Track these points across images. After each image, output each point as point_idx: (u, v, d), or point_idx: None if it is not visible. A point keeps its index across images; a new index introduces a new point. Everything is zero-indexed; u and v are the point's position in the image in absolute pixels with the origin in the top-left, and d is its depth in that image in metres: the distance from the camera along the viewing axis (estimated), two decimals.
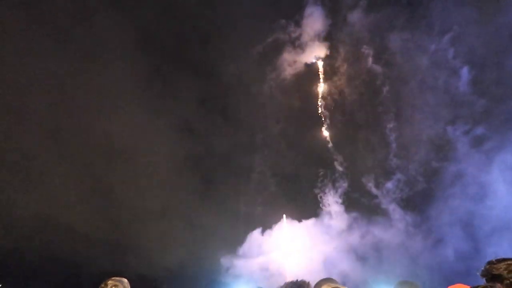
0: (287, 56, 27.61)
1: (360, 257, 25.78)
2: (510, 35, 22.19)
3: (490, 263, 3.68)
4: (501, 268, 3.56)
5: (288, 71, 27.64)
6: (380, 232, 26.01)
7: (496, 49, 22.73)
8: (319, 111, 27.37)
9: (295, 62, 27.80)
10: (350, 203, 26.71)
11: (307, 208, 27.29)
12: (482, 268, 3.75)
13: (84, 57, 25.29)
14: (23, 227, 23.27)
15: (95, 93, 25.51)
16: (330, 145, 27.35)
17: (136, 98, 26.24)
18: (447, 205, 23.53)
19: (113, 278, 5.51)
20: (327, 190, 27.45)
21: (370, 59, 26.32)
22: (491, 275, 3.59)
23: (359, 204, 26.45)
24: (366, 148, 26.55)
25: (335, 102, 27.39)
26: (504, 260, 3.64)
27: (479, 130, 23.42)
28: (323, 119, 27.39)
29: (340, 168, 27.14)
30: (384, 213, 25.74)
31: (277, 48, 26.90)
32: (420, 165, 25.21)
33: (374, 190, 26.10)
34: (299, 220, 27.54)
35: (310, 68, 28.01)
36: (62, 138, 24.96)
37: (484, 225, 21.87)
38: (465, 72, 24.02)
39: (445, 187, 23.89)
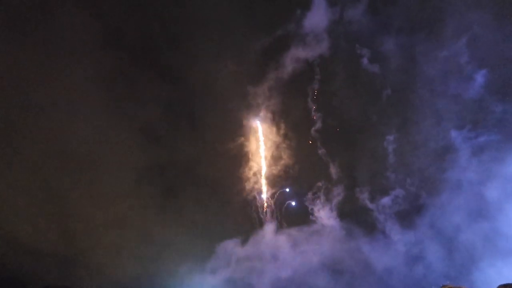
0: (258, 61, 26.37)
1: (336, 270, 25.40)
2: None
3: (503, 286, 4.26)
4: None
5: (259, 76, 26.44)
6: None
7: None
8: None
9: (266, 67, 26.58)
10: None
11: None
12: None
13: (43, 54, 23.32)
14: None
15: (52, 93, 23.59)
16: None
17: (97, 99, 24.44)
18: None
19: None
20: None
21: (367, 63, 25.40)
22: None
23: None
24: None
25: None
26: None
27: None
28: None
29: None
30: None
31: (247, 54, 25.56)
32: None
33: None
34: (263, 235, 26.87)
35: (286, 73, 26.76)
36: (11, 138, 23.00)
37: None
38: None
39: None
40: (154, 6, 24.72)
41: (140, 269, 24.06)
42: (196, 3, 24.16)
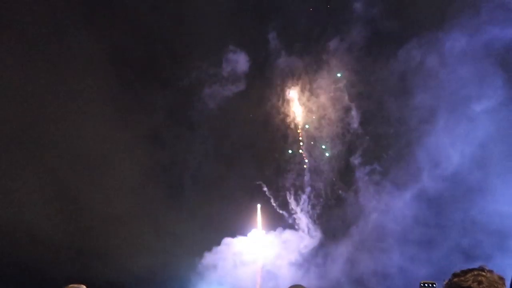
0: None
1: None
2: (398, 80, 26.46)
3: (456, 275, 3.40)
4: (469, 280, 3.30)
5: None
6: None
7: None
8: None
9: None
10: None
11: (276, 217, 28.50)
12: (447, 282, 3.47)
13: (56, 68, 26.10)
14: None
15: (65, 104, 26.12)
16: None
17: (105, 109, 27.05)
18: None
19: (70, 285, 5.62)
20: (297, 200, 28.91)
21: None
22: None
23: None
24: None
25: None
26: (470, 270, 3.37)
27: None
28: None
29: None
30: None
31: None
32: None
33: None
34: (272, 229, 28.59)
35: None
36: (28, 145, 24.87)
37: None
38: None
39: None
40: (155, 25, 28.44)
41: (153, 260, 25.15)
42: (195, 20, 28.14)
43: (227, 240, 27.53)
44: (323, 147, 28.84)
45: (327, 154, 28.66)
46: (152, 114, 28.26)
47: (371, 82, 27.17)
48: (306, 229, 28.34)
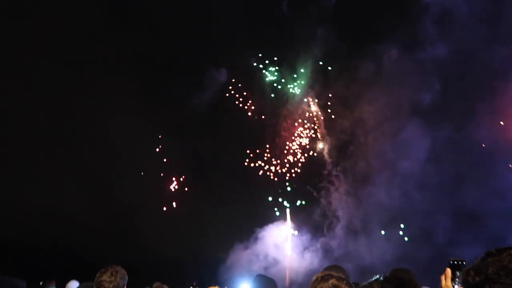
0: None
1: None
2: None
3: (490, 254, 3.14)
4: (505, 260, 2.98)
5: None
6: None
7: None
8: None
9: None
10: None
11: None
12: (479, 260, 3.17)
13: (86, 72, 28.53)
14: (25, 220, 23.88)
15: (95, 103, 28.27)
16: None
17: (131, 107, 29.07)
18: None
19: (155, 284, 6.09)
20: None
21: None
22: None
23: None
24: None
25: None
26: (506, 249, 3.08)
27: None
28: None
29: None
30: None
31: None
32: None
33: None
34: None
35: None
36: (65, 141, 26.94)
37: None
38: None
39: None
40: (175, 32, 30.72)
41: (184, 244, 26.25)
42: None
43: (258, 233, 28.18)
44: None
45: None
46: (175, 111, 30.13)
47: None
48: None
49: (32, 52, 26.35)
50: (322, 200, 28.94)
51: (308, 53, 29.53)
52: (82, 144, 27.21)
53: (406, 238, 26.42)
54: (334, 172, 29.01)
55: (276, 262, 28.26)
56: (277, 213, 29.51)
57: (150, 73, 30.18)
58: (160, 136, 29.13)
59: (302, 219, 28.98)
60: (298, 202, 29.47)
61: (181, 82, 30.70)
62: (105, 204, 26.06)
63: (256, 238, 28.18)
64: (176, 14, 30.13)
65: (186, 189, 28.12)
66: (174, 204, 27.65)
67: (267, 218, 29.11)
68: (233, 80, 31.10)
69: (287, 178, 29.81)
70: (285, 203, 29.64)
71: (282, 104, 30.60)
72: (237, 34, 28.97)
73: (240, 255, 27.63)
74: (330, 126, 29.97)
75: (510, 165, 26.27)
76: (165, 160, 28.84)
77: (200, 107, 30.44)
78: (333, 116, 29.91)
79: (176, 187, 28.65)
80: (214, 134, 29.93)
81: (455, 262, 3.73)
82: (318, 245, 27.85)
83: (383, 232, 26.93)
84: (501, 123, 26.13)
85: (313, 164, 29.94)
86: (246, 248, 27.95)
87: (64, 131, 27.04)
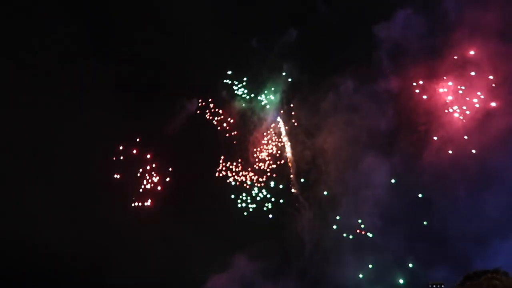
0: None
1: None
2: None
3: (469, 278, 3.20)
4: (483, 284, 3.08)
5: None
6: None
7: None
8: None
9: None
10: None
11: None
12: (459, 284, 3.19)
13: (68, 94, 28.49)
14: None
15: (76, 126, 28.26)
16: None
17: (113, 130, 29.17)
18: None
19: None
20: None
21: None
22: None
23: None
24: None
25: None
26: (483, 273, 3.16)
27: None
28: None
29: None
30: None
31: None
32: None
33: None
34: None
35: None
36: (43, 164, 26.79)
37: None
38: None
39: None
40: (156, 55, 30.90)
41: (164, 270, 26.57)
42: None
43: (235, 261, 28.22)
44: None
45: None
46: (155, 137, 30.42)
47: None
48: None
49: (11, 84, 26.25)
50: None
51: (274, 82, 30.69)
52: (61, 170, 27.11)
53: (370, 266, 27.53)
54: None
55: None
56: None
57: (131, 97, 30.16)
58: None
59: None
60: None
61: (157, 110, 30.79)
62: (83, 230, 26.07)
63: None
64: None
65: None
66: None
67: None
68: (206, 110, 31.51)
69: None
70: None
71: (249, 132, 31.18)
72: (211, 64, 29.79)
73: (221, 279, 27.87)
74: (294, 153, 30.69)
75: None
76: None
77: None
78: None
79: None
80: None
81: (434, 286, 4.32)
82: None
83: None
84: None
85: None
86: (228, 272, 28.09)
87: (41, 153, 26.90)
